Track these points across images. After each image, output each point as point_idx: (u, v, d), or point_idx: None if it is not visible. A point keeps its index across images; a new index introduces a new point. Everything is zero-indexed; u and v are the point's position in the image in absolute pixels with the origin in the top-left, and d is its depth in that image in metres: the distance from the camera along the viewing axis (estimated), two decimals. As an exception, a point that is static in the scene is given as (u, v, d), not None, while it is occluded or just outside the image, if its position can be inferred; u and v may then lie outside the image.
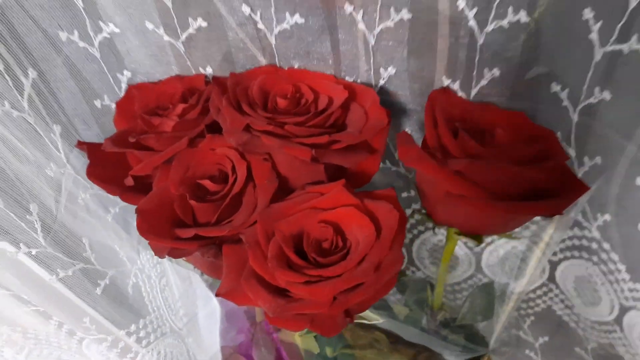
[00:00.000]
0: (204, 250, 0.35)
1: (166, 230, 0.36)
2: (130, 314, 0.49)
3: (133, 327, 0.49)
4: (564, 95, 0.33)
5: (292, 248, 0.32)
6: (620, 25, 0.28)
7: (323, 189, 0.34)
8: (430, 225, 0.49)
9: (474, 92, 0.36)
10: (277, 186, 0.35)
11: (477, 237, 0.36)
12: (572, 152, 0.36)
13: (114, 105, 0.42)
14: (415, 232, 0.51)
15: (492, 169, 0.31)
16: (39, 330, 0.51)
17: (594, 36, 0.29)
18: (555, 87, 0.33)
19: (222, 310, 0.54)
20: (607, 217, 0.38)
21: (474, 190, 0.31)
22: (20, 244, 0.39)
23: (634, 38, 0.28)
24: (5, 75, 0.36)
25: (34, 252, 0.39)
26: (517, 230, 0.41)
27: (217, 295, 0.33)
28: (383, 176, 0.45)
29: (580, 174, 0.37)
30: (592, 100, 0.32)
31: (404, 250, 0.53)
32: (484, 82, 0.35)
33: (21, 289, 0.44)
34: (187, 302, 0.55)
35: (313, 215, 0.33)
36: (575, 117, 0.34)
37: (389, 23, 0.33)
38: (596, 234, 0.40)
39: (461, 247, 0.50)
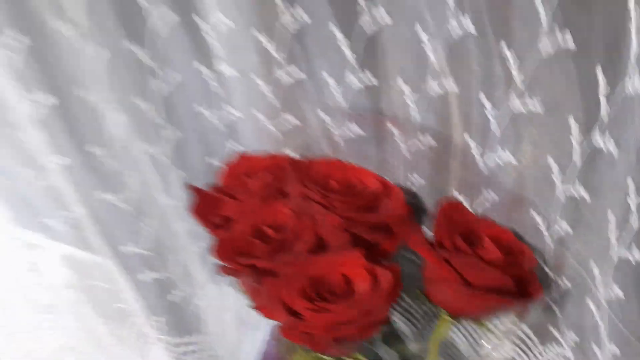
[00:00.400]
0: (253, 276, 0.48)
1: (231, 256, 0.49)
2: (186, 327, 0.61)
3: (185, 339, 0.61)
4: (541, 223, 0.43)
5: (312, 286, 0.44)
6: (569, 170, 0.38)
7: (347, 252, 0.46)
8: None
9: (477, 206, 0.47)
10: (315, 242, 0.47)
11: (457, 319, 0.45)
12: (550, 272, 0.45)
13: (222, 165, 0.58)
14: (432, 324, 0.59)
15: (469, 263, 0.42)
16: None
17: (555, 179, 0.40)
18: (536, 217, 0.44)
19: (262, 351, 0.65)
20: (573, 335, 0.45)
21: (453, 276, 0.42)
22: (128, 243, 0.54)
23: (581, 185, 0.38)
24: (161, 132, 0.54)
25: (136, 250, 0.54)
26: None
27: (252, 307, 0.45)
28: (407, 264, 0.56)
29: (555, 292, 0.45)
30: (560, 232, 0.42)
31: (422, 339, 0.61)
32: (484, 201, 0.46)
33: (114, 286, 0.59)
34: (236, 336, 0.67)
35: (334, 267, 0.45)
36: (551, 244, 0.44)
37: (420, 145, 0.46)
38: (569, 353, 0.47)
39: (466, 346, 0.58)
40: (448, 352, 0.59)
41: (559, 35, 0.32)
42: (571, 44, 0.32)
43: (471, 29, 0.36)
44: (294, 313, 0.43)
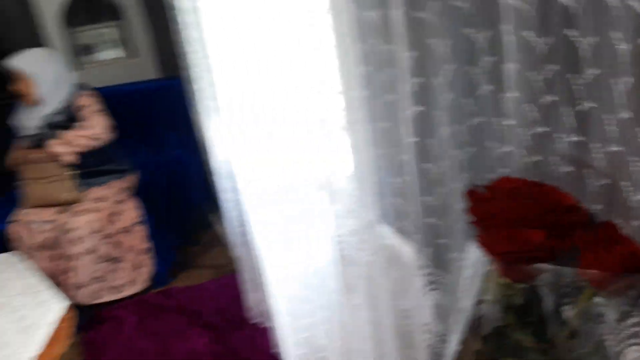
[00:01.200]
0: (483, 228, 0.87)
1: (478, 216, 0.89)
2: (440, 264, 1.02)
3: (435, 271, 1.02)
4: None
5: (508, 235, 0.81)
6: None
7: (538, 230, 0.81)
8: None
9: (629, 230, 0.76)
10: (522, 220, 0.84)
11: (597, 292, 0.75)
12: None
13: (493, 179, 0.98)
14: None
15: (599, 248, 0.73)
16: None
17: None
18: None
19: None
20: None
21: (590, 255, 0.73)
22: (428, 197, 0.99)
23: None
24: (465, 148, 0.98)
25: (430, 202, 0.99)
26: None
27: (476, 239, 0.85)
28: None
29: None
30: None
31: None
32: (632, 226, 0.75)
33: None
34: (462, 290, 1.04)
35: (524, 234, 0.81)
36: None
37: (601, 184, 0.78)
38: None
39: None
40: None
41: None
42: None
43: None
44: (492, 241, 0.81)
